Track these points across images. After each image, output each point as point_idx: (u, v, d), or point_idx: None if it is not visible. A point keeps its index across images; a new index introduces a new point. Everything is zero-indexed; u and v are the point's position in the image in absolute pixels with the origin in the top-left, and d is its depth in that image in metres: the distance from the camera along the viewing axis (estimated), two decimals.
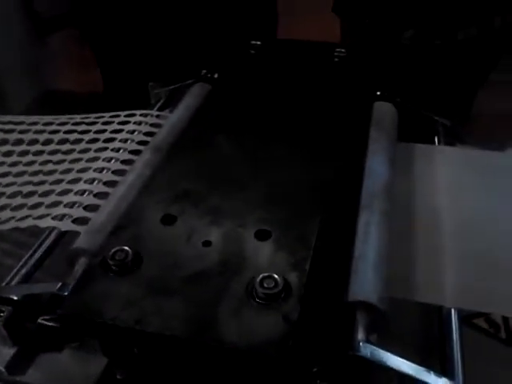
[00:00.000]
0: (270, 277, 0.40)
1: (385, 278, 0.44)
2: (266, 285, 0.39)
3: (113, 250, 0.43)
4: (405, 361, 0.40)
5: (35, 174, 0.64)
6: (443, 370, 0.42)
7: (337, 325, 0.41)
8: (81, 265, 0.48)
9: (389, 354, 0.40)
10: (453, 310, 0.47)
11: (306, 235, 0.44)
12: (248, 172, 0.53)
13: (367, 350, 0.40)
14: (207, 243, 0.44)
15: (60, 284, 0.46)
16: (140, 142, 0.66)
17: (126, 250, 0.43)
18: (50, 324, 0.48)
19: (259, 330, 0.37)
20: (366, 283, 0.43)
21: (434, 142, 0.67)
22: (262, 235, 0.45)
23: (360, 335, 0.40)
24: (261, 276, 0.40)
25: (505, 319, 0.51)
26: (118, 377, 0.46)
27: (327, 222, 0.47)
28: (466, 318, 0.50)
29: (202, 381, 0.43)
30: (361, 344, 0.40)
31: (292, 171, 0.54)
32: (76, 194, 0.59)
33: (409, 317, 0.48)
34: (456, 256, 0.50)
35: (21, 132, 0.70)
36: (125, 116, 0.71)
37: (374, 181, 0.54)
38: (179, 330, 0.38)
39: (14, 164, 0.66)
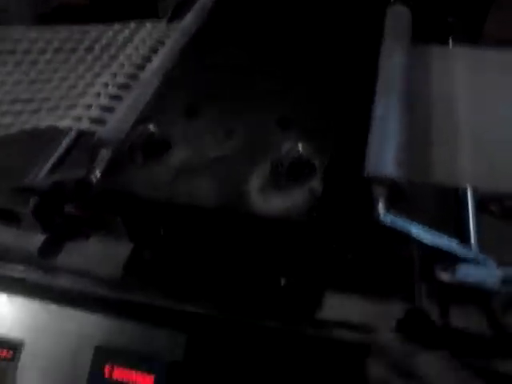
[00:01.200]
0: (295, 154, 0.42)
1: (403, 158, 0.46)
2: (291, 161, 0.41)
3: (140, 134, 0.45)
4: (424, 228, 0.42)
5: (49, 80, 0.65)
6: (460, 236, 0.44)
7: (358, 199, 0.43)
8: (104, 155, 0.50)
9: (408, 222, 0.42)
10: (469, 191, 0.49)
11: (328, 121, 0.46)
12: (266, 69, 0.54)
13: (388, 218, 0.42)
14: (231, 131, 0.46)
15: (86, 171, 0.48)
16: (152, 50, 0.67)
17: (152, 133, 0.44)
18: (76, 212, 0.50)
19: (286, 202, 0.39)
20: (385, 160, 0.45)
21: (449, 44, 0.68)
22: (284, 123, 0.47)
23: (381, 206, 0.43)
24: (286, 153, 0.42)
25: None
26: (146, 257, 0.49)
27: (347, 108, 0.48)
28: (482, 205, 0.52)
29: (228, 256, 0.46)
30: (381, 214, 0.42)
31: (309, 67, 0.55)
32: (93, 96, 0.61)
33: (426, 196, 0.50)
34: (472, 142, 0.52)
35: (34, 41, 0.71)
36: (135, 25, 0.71)
37: (391, 73, 0.55)
38: (212, 203, 0.40)
39: (26, 72, 0.67)
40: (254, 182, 0.41)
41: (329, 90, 0.50)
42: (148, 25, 0.72)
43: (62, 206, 0.50)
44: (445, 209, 0.49)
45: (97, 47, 0.69)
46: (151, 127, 0.46)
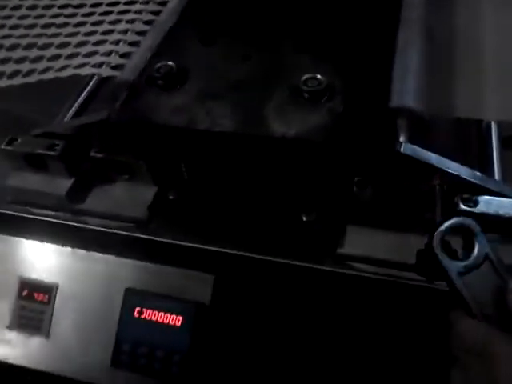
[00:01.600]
0: (314, 78, 0.41)
1: (427, 91, 0.46)
2: (310, 84, 0.41)
3: (158, 65, 0.45)
4: (445, 159, 0.42)
5: (65, 25, 0.66)
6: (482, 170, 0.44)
7: (381, 129, 0.43)
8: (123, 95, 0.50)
9: (429, 152, 0.42)
10: (493, 125, 0.48)
11: (350, 47, 0.46)
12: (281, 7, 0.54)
13: (409, 148, 0.42)
14: (247, 57, 0.46)
15: (108, 111, 0.49)
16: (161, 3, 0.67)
17: (170, 64, 0.45)
18: (101, 155, 0.52)
19: (305, 123, 0.40)
20: (409, 92, 0.44)
21: None
22: (302, 47, 0.47)
23: (402, 137, 0.43)
24: (305, 77, 0.42)
25: None
26: (171, 197, 0.50)
27: (370, 37, 0.48)
28: (507, 141, 0.51)
29: (251, 190, 0.46)
30: (403, 144, 0.42)
31: None
32: (111, 43, 0.61)
33: (449, 130, 0.50)
34: (498, 76, 0.51)
35: None
36: None
37: (415, 5, 0.54)
38: (230, 126, 0.41)
39: (40, 16, 0.67)
40: (273, 105, 0.42)
41: (351, 19, 0.49)
42: None
43: (88, 150, 0.51)
44: (468, 143, 0.49)
45: None
46: (168, 59, 0.46)
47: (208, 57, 0.47)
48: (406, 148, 0.42)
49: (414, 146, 0.42)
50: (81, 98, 0.57)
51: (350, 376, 0.45)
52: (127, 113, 0.44)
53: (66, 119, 0.55)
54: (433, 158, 0.42)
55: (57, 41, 0.63)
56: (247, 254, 0.48)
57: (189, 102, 0.43)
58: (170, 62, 0.45)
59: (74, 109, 0.55)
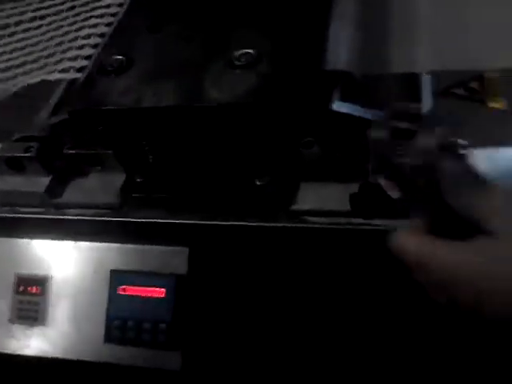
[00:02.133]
0: (247, 52, 0.47)
1: (359, 52, 0.50)
2: (243, 59, 0.46)
3: (106, 55, 0.50)
4: (378, 111, 0.46)
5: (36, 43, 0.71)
6: None
7: (315, 89, 0.47)
8: None
9: (362, 108, 0.46)
10: (426, 76, 0.52)
11: (283, 17, 0.50)
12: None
13: (342, 106, 0.46)
14: (190, 39, 0.51)
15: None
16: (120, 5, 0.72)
17: (117, 52, 0.50)
18: (74, 151, 0.57)
19: (237, 88, 0.44)
20: (341, 54, 0.49)
21: None
22: (237, 24, 0.51)
23: (336, 96, 0.47)
24: (238, 52, 0.47)
25: (481, 85, 0.56)
26: (138, 180, 0.55)
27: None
28: (445, 91, 0.55)
29: (205, 160, 0.51)
30: (336, 102, 0.46)
31: None
32: (77, 49, 0.67)
33: (387, 86, 0.54)
34: (425, 31, 0.55)
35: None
36: None
37: None
38: (173, 101, 0.46)
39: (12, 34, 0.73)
40: (210, 78, 0.46)
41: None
42: None
43: (62, 148, 0.56)
44: (402, 95, 0.53)
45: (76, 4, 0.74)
46: (117, 48, 0.51)
47: (154, 42, 0.52)
48: (340, 106, 0.46)
49: (347, 104, 0.46)
50: (53, 102, 0.62)
51: (315, 326, 0.49)
52: (81, 101, 0.49)
53: (42, 122, 0.59)
54: (364, 111, 0.46)
55: (30, 58, 0.68)
56: (212, 223, 0.53)
57: (135, 84, 0.48)
58: (116, 50, 0.50)
59: (46, 112, 0.60)
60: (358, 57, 0.50)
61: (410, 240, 0.37)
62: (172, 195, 0.53)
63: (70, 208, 0.57)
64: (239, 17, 0.52)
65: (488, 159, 0.48)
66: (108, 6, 0.72)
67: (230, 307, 0.53)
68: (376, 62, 0.53)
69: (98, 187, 0.57)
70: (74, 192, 0.57)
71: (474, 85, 0.56)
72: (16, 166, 0.57)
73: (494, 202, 0.36)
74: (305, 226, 0.48)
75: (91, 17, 0.71)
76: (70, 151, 0.56)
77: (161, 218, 0.54)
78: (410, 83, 0.53)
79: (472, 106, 0.54)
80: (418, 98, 0.51)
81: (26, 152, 0.55)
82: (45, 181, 0.57)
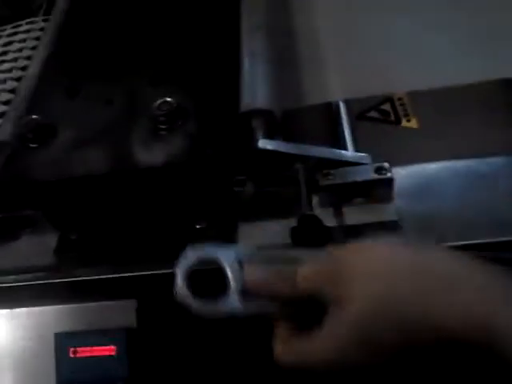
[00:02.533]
0: (165, 101, 0.48)
1: (274, 89, 0.52)
2: (163, 108, 0.47)
3: (24, 123, 0.50)
4: (302, 144, 0.49)
5: None
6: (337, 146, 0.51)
7: (238, 133, 0.49)
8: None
9: (285, 142, 0.49)
10: (340, 103, 0.56)
11: (196, 64, 0.52)
12: (132, 44, 0.59)
13: (266, 143, 0.48)
14: (109, 101, 0.51)
15: None
16: (34, 48, 0.71)
17: (36, 119, 0.49)
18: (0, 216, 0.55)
19: (167, 149, 0.45)
20: (258, 93, 0.51)
21: None
22: (155, 82, 0.52)
23: (259, 134, 0.49)
24: (157, 103, 0.48)
25: (392, 105, 0.61)
26: (73, 237, 0.54)
27: (213, 56, 0.54)
28: (360, 115, 0.58)
29: (142, 214, 0.51)
30: (260, 141, 0.48)
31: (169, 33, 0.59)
32: None
33: (307, 118, 0.57)
34: (333, 61, 0.58)
35: None
36: (12, 28, 0.74)
37: (253, 15, 0.60)
38: (104, 168, 0.46)
39: None
40: (138, 141, 0.47)
41: (191, 46, 0.55)
42: (25, 25, 0.75)
43: None
44: (322, 124, 0.56)
45: None
46: (34, 116, 0.50)
47: (74, 108, 0.52)
48: (263, 143, 0.48)
49: (270, 140, 0.48)
50: None
51: None
52: (6, 174, 0.48)
53: None
54: (289, 146, 0.49)
55: None
56: (156, 272, 0.53)
57: (60, 154, 0.48)
58: (35, 117, 0.49)
59: None
60: (274, 92, 0.53)
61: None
62: (111, 249, 0.53)
63: (3, 275, 0.55)
64: (155, 69, 0.53)
65: (408, 176, 0.52)
66: (20, 50, 0.71)
67: (185, 358, 0.53)
68: (292, 95, 0.56)
69: (30, 250, 0.55)
70: (6, 257, 0.55)
71: (386, 107, 0.60)
72: None
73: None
74: None
75: (3, 61, 0.70)
76: None
77: (103, 274, 0.54)
78: (327, 112, 0.56)
79: (387, 127, 0.58)
80: (336, 125, 0.55)
81: None
82: None
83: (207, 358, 0.52)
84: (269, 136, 0.49)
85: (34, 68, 0.62)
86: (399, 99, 0.61)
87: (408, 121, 0.58)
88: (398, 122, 0.59)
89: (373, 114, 0.61)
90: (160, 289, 0.53)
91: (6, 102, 0.62)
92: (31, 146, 0.49)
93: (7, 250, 0.56)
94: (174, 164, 0.45)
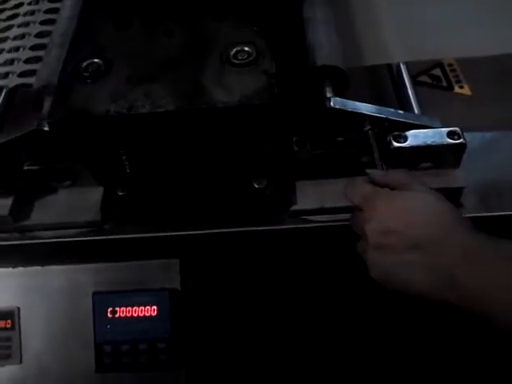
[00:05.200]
0: (243, 50, 0.46)
1: (341, 47, 0.52)
2: (240, 57, 0.45)
3: (79, 58, 0.47)
4: (371, 105, 0.49)
5: None
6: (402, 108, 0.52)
7: (309, 86, 0.48)
8: (48, 101, 0.49)
9: (357, 102, 0.49)
10: (402, 66, 0.56)
11: (263, 11, 0.50)
12: None
13: (338, 102, 0.48)
14: (169, 33, 0.48)
15: (37, 120, 0.48)
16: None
17: (91, 55, 0.47)
18: (36, 168, 0.52)
19: (245, 87, 0.43)
20: (326, 49, 0.50)
21: None
22: (220, 15, 0.50)
23: (329, 92, 0.48)
24: (233, 50, 0.46)
25: (443, 71, 0.61)
26: (120, 193, 0.52)
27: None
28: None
29: (200, 167, 0.50)
30: (331, 99, 0.48)
31: None
32: (10, 51, 0.61)
33: (366, 78, 0.57)
34: (395, 22, 0.58)
35: None
36: None
37: None
38: (171, 105, 0.43)
39: None
40: (209, 76, 0.45)
41: None
42: None
43: (21, 165, 0.52)
44: (383, 86, 0.56)
45: None
46: (87, 51, 0.48)
47: (128, 40, 0.49)
48: (335, 102, 0.48)
49: (342, 99, 0.48)
50: None
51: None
52: (62, 111, 0.45)
53: None
54: (361, 106, 0.48)
55: None
56: (207, 231, 0.52)
57: (122, 88, 0.45)
58: (90, 53, 0.47)
59: None
60: (337, 50, 0.52)
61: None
62: (162, 206, 0.52)
63: (40, 230, 0.53)
64: (216, 7, 0.51)
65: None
66: (37, 2, 0.67)
67: (230, 316, 0.53)
68: (351, 55, 0.55)
69: (70, 204, 0.53)
70: (43, 212, 0.53)
71: (436, 72, 0.61)
72: None
73: None
74: (311, 225, 0.49)
75: (16, 15, 0.66)
76: (33, 167, 0.52)
77: (148, 232, 0.52)
78: (388, 74, 0.56)
79: (439, 92, 0.59)
80: (400, 87, 0.55)
81: None
82: (6, 202, 0.52)
83: (250, 321, 0.53)
84: (337, 94, 0.49)
85: (66, 9, 0.59)
86: (449, 65, 0.61)
87: (461, 87, 0.59)
88: (450, 87, 0.59)
89: (423, 78, 0.61)
90: (205, 249, 0.53)
91: (28, 60, 0.59)
92: (84, 80, 0.46)
93: (45, 205, 0.53)
94: (251, 104, 0.43)
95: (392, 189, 0.42)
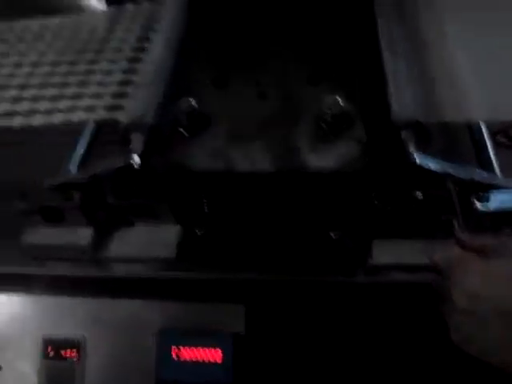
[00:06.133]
0: (335, 102, 0.47)
1: (421, 103, 0.53)
2: (332, 121, 0.47)
3: (181, 108, 0.49)
4: (454, 164, 0.49)
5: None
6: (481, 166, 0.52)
7: (393, 143, 0.50)
8: (137, 139, 0.52)
9: (440, 160, 0.49)
10: (482, 125, 0.56)
11: (352, 75, 0.52)
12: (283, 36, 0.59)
13: (422, 159, 0.48)
14: (263, 95, 0.51)
15: (124, 157, 0.50)
16: (145, 28, 0.70)
17: (193, 105, 0.49)
18: (118, 202, 0.54)
19: (338, 154, 0.45)
20: (407, 104, 0.51)
21: None
22: (314, 80, 0.52)
23: (411, 148, 0.49)
24: (327, 110, 0.48)
25: None
26: (198, 233, 0.54)
27: (362, 61, 0.54)
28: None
29: (279, 218, 0.52)
30: (416, 155, 0.48)
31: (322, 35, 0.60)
32: (96, 84, 0.64)
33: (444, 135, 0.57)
34: (476, 80, 0.59)
35: None
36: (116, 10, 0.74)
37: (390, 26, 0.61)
38: (269, 166, 0.46)
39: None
40: (303, 140, 0.47)
41: (344, 48, 0.56)
42: (130, 6, 0.75)
43: (104, 198, 0.54)
44: (463, 144, 0.57)
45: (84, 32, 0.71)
46: (192, 101, 0.50)
47: (225, 99, 0.52)
48: (421, 159, 0.48)
49: (425, 156, 0.49)
50: (81, 145, 0.59)
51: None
52: (162, 163, 0.47)
53: (71, 168, 0.57)
54: (444, 165, 0.49)
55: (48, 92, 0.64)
56: (278, 278, 0.53)
57: (221, 145, 0.48)
58: (193, 105, 0.49)
59: (76, 158, 0.57)
60: (419, 104, 0.53)
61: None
62: (238, 250, 0.53)
63: (116, 262, 0.55)
64: (312, 68, 0.53)
65: None
66: (124, 39, 0.70)
67: (291, 367, 0.53)
68: (431, 110, 0.56)
69: (146, 240, 0.55)
70: (120, 245, 0.55)
71: None
72: (52, 216, 0.54)
73: None
74: (387, 281, 0.50)
75: (104, 49, 0.69)
76: (116, 201, 0.54)
77: (219, 275, 0.53)
78: (469, 133, 0.57)
79: None
80: (481, 146, 0.55)
81: (67, 201, 0.53)
82: (86, 233, 0.54)
83: (313, 371, 0.52)
84: (419, 150, 0.50)
85: (157, 51, 0.62)
86: None
87: None
88: None
89: (500, 138, 0.62)
90: (270, 296, 0.54)
91: (123, 82, 0.62)
92: (185, 133, 0.49)
93: (121, 238, 0.55)
94: (344, 171, 0.45)
95: (479, 253, 0.42)
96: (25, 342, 0.56)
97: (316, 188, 0.47)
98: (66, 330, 0.56)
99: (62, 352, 0.56)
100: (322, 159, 0.46)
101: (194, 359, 0.54)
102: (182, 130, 0.49)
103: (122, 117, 0.56)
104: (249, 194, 0.49)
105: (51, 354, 0.56)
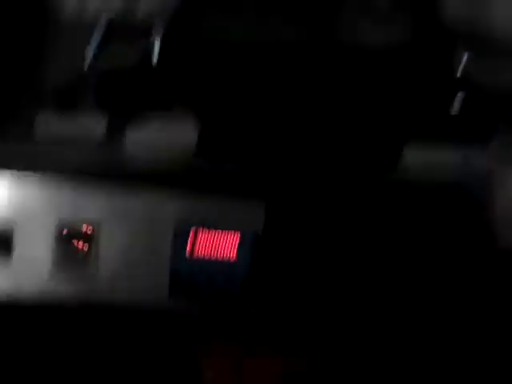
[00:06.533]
0: None
1: None
2: None
3: None
4: None
5: None
6: None
7: None
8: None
9: None
10: None
11: None
12: None
13: None
14: None
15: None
16: None
17: None
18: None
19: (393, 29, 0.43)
20: None
21: None
22: None
23: None
24: None
25: None
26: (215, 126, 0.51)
27: None
28: None
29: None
30: None
31: None
32: None
33: None
34: None
35: None
36: None
37: None
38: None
39: None
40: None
41: None
42: None
43: (122, 85, 0.51)
44: None
45: None
46: None
47: None
48: None
49: None
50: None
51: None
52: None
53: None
54: None
55: None
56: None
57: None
58: None
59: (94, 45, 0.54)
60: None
61: None
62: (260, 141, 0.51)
63: (130, 153, 0.53)
64: None
65: None
66: None
67: (308, 267, 0.52)
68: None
69: (165, 132, 0.53)
70: (136, 136, 0.53)
71: None
72: (69, 104, 0.52)
73: None
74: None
75: None
76: (132, 89, 0.52)
77: (239, 168, 0.52)
78: None
79: None
80: None
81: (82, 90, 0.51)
82: (103, 122, 0.53)
83: (334, 273, 0.52)
84: None
85: None
86: None
87: None
88: None
89: None
90: (292, 193, 0.52)
91: None
92: None
93: (138, 129, 0.53)
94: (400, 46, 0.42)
95: None
96: (38, 225, 0.55)
97: (353, 67, 0.44)
98: (81, 215, 0.55)
99: (77, 237, 0.55)
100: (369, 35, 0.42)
101: (209, 256, 0.54)
102: None
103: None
104: (277, 75, 0.46)
105: (65, 238, 0.55)
